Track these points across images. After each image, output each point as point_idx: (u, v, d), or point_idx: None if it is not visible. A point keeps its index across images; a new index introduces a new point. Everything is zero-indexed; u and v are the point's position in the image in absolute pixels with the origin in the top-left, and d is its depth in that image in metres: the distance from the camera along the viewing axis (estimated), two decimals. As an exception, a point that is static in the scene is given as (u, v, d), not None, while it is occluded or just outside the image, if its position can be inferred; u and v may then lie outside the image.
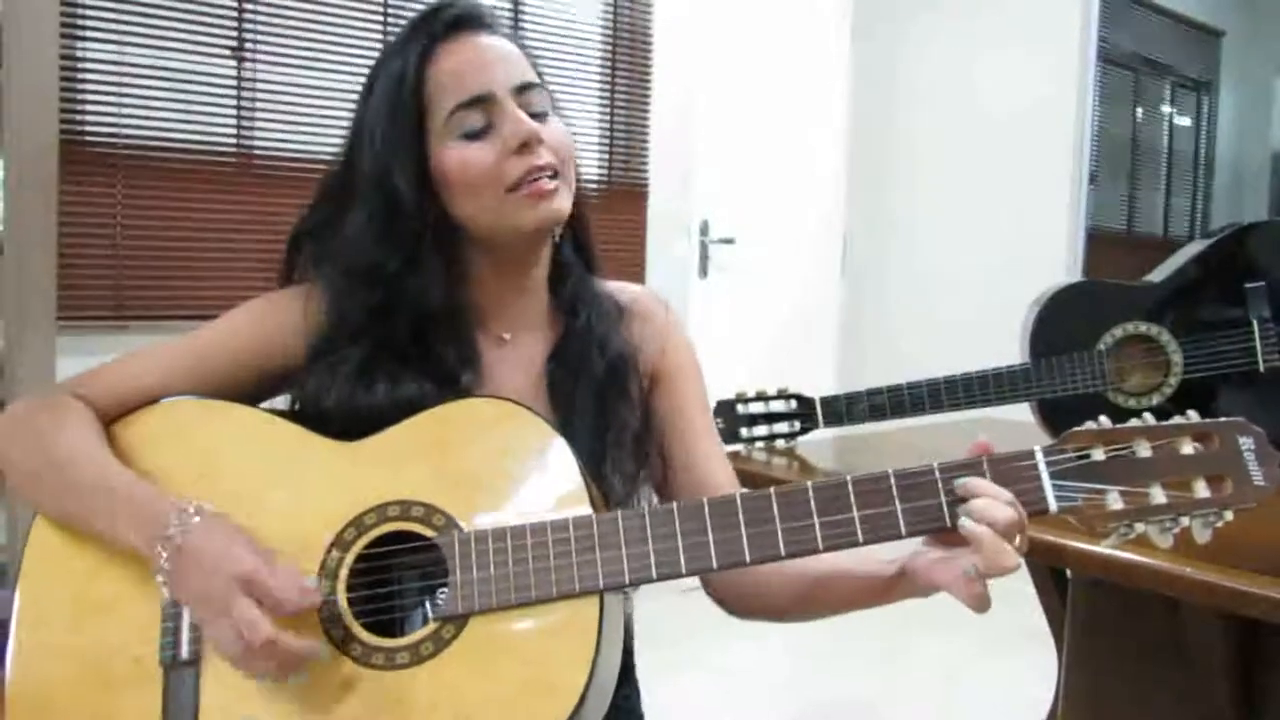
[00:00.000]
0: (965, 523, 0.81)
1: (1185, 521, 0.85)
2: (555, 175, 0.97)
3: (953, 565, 0.83)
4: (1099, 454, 0.85)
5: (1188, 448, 0.85)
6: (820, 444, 1.64)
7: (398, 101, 0.97)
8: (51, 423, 0.96)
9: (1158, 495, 0.84)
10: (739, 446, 1.56)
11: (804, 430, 1.57)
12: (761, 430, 1.56)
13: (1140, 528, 0.85)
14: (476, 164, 0.96)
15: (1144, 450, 0.85)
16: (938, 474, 0.85)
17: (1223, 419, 0.86)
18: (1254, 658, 1.30)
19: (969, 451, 0.86)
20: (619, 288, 1.13)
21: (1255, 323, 1.53)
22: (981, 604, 0.81)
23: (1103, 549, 1.03)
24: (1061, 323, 1.59)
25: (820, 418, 1.56)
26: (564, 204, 0.98)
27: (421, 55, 0.97)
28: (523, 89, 0.98)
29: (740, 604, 1.07)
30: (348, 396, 0.97)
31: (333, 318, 1.00)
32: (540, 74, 1.03)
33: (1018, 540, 0.81)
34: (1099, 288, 1.66)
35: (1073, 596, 1.61)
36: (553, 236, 1.06)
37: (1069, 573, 1.66)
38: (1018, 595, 2.21)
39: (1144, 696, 1.47)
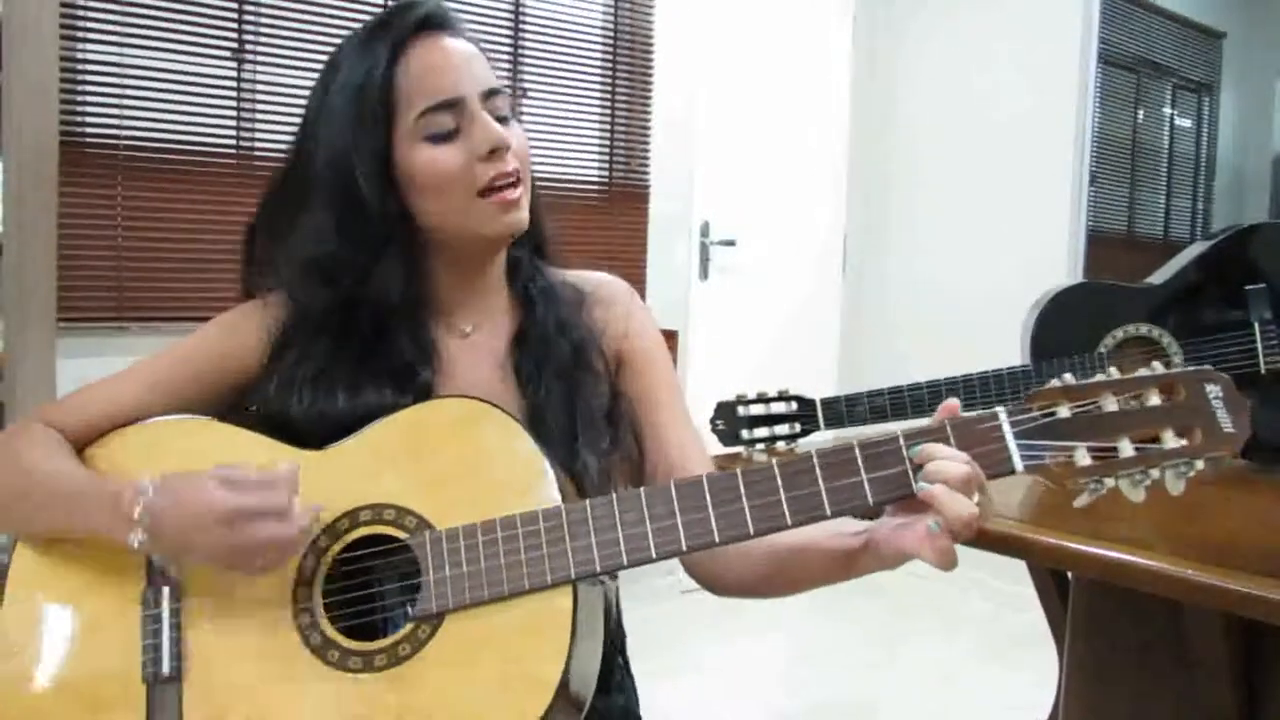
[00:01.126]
0: (920, 484, 0.83)
1: (1156, 474, 0.84)
2: (518, 182, 0.99)
3: (915, 527, 0.83)
4: (1064, 411, 0.85)
5: (1154, 399, 0.85)
6: (821, 446, 1.63)
7: (363, 100, 0.97)
8: (15, 453, 0.97)
9: (1127, 449, 0.84)
10: (740, 448, 1.56)
11: (805, 432, 1.56)
12: (762, 432, 1.55)
13: (1111, 482, 0.84)
14: (446, 167, 0.97)
15: (1110, 405, 0.85)
16: (902, 441, 0.85)
17: (1189, 368, 0.86)
18: (1255, 660, 1.29)
19: (937, 414, 0.87)
20: (581, 276, 1.14)
21: (1256, 325, 1.53)
22: (946, 559, 0.82)
23: (1096, 549, 1.03)
24: (1062, 324, 1.59)
25: (821, 419, 1.56)
26: (526, 214, 1.01)
27: (390, 56, 0.97)
28: (490, 94, 1.00)
29: (715, 580, 1.07)
30: (309, 403, 0.98)
31: (292, 315, 1.02)
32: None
33: (976, 497, 0.82)
34: (1100, 289, 1.66)
35: (1073, 598, 1.61)
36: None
37: (1070, 574, 1.66)
38: (1017, 598, 2.21)
39: (1145, 698, 1.47)
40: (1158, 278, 1.63)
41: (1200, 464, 0.84)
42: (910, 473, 0.85)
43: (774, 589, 1.03)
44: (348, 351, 1.00)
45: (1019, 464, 0.84)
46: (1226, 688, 1.30)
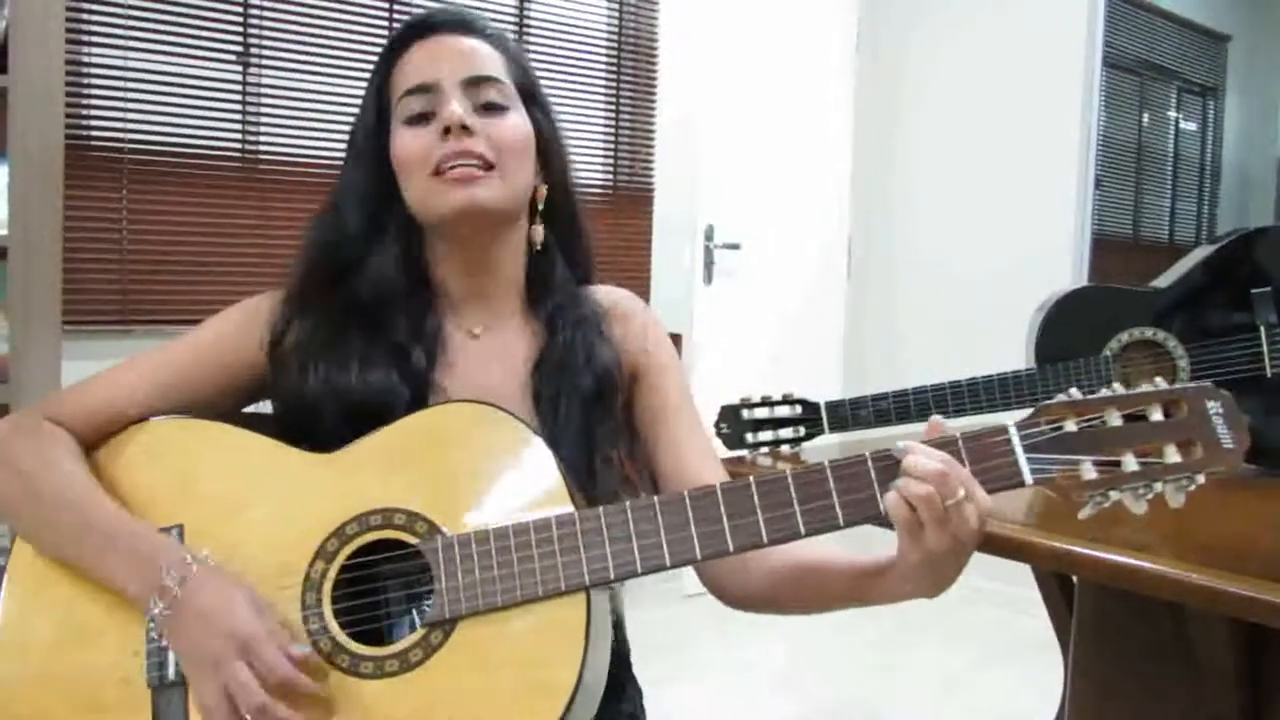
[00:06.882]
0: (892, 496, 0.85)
1: (1159, 488, 0.87)
2: (489, 167, 0.98)
3: None
4: (1071, 425, 0.87)
5: (1157, 415, 0.87)
6: (825, 449, 1.63)
7: (369, 93, 1.05)
8: (35, 456, 0.96)
9: (1130, 463, 0.86)
10: (744, 452, 1.56)
11: (809, 435, 1.56)
12: (766, 435, 1.55)
13: (1115, 495, 0.87)
14: (409, 148, 1.00)
15: (1115, 419, 0.87)
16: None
17: (1190, 384, 0.89)
18: (1261, 663, 1.29)
19: (927, 431, 0.88)
20: (598, 290, 1.14)
21: (1262, 328, 1.53)
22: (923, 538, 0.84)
23: (1101, 553, 1.02)
24: (1067, 328, 1.59)
25: (825, 423, 1.55)
26: (486, 194, 0.99)
27: (392, 52, 1.04)
28: (474, 81, 1.00)
29: (733, 593, 1.07)
30: (324, 375, 0.99)
31: (295, 300, 1.04)
32: (525, 75, 1.06)
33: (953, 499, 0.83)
34: (1105, 293, 1.65)
35: (1078, 602, 1.61)
36: (530, 245, 1.08)
37: (1075, 579, 1.65)
38: (1022, 602, 2.21)
39: (1150, 703, 1.46)
40: (1163, 281, 1.63)
41: (1201, 478, 0.87)
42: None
43: (788, 605, 1.04)
44: (352, 327, 1.01)
45: (1028, 477, 0.86)
46: (1232, 692, 1.29)
